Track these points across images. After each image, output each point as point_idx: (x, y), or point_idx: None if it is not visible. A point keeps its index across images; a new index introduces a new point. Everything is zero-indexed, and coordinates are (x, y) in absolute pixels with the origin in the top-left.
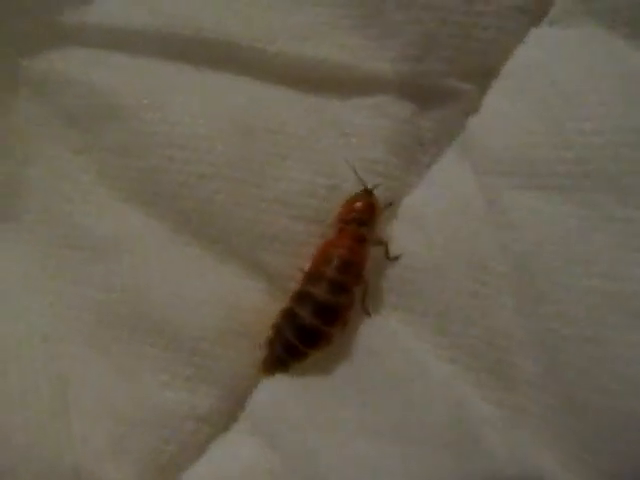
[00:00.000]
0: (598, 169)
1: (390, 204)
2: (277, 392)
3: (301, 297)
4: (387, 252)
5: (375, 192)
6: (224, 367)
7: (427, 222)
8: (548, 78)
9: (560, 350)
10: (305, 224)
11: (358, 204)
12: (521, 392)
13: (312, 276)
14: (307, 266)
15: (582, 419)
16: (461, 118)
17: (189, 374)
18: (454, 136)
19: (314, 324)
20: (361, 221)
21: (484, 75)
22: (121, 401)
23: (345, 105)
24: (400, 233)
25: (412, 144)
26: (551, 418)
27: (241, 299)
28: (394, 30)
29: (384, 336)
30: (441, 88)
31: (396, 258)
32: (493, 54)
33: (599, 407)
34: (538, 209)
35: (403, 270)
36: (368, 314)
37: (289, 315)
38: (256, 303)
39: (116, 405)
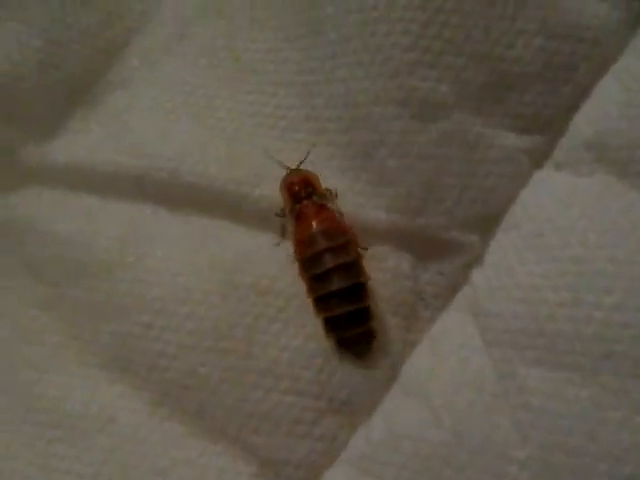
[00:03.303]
0: (621, 351)
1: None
2: None
3: (325, 297)
4: None
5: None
6: None
7: (433, 396)
8: (558, 236)
9: None
10: (299, 399)
11: (296, 178)
12: None
13: (315, 272)
14: (300, 272)
15: None
16: (464, 270)
17: None
18: (457, 289)
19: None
20: (310, 193)
21: (487, 224)
22: None
23: None
24: (404, 408)
25: (412, 299)
26: None
27: None
28: (388, 177)
29: None
30: (441, 240)
31: (365, 249)
32: (495, 202)
33: None
34: (556, 392)
35: (409, 456)
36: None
37: (331, 319)
38: None
39: None
